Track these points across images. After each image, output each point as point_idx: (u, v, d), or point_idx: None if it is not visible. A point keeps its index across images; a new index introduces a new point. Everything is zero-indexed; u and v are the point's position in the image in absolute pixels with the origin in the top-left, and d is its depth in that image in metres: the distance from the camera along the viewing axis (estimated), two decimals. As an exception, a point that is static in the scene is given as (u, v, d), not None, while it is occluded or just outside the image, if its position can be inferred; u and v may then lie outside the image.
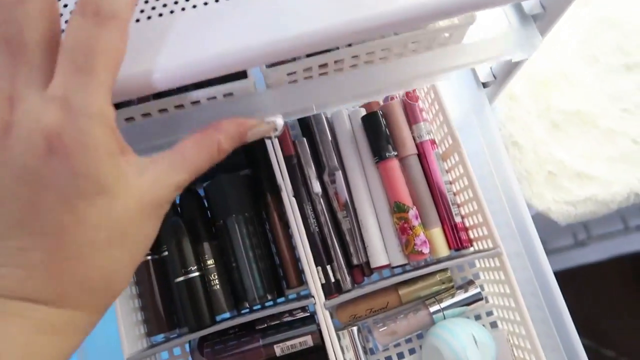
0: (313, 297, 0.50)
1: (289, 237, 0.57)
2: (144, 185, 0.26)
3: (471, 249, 0.56)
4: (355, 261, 0.55)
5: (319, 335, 0.51)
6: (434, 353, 0.51)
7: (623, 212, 1.29)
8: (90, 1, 0.23)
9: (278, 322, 0.53)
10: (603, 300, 1.45)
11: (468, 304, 0.55)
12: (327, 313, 0.50)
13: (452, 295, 0.55)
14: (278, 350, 0.50)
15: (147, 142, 0.36)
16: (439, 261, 0.53)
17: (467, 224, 0.57)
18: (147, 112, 0.36)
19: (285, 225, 0.57)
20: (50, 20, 0.24)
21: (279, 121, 0.34)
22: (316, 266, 0.52)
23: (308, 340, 0.51)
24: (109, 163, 0.24)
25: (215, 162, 0.29)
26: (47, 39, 0.24)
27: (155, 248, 0.55)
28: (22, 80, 0.23)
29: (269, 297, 0.53)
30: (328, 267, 0.55)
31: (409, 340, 0.58)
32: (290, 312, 0.53)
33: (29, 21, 0.23)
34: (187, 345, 0.57)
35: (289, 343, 0.50)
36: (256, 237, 0.55)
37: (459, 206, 0.57)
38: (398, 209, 0.54)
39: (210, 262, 0.54)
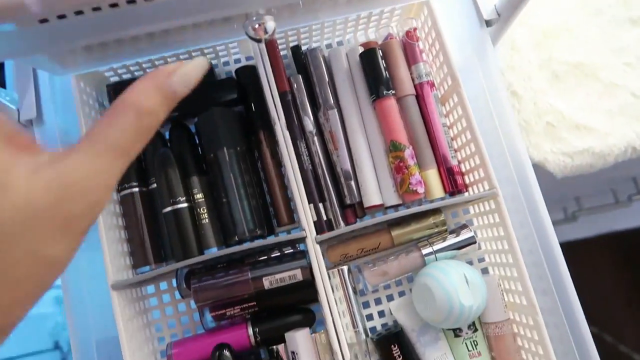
0: (304, 230, 0.48)
1: (281, 175, 0.56)
2: (38, 186, 0.20)
3: (466, 194, 0.55)
4: (348, 201, 0.54)
5: (309, 270, 0.50)
6: (425, 292, 0.50)
7: (614, 184, 1.30)
8: None
9: (267, 257, 0.52)
10: (589, 277, 1.46)
11: (461, 247, 0.54)
12: (318, 248, 0.49)
13: (445, 239, 0.55)
14: (267, 283, 0.49)
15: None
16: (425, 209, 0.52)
17: (463, 169, 0.56)
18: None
19: (278, 163, 0.56)
20: None
21: (202, 62, 0.27)
22: (309, 204, 0.51)
23: (298, 274, 0.50)
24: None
25: (145, 134, 0.24)
26: None
27: (143, 180, 0.53)
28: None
29: (259, 232, 0.51)
30: (320, 205, 0.54)
31: (399, 283, 0.57)
32: (280, 248, 0.52)
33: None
34: (174, 281, 0.55)
35: (278, 276, 0.49)
36: (247, 173, 0.53)
37: (456, 150, 0.56)
38: (394, 148, 0.53)
39: (199, 196, 0.53)
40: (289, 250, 0.53)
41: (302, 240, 0.49)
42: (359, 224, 0.49)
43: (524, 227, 0.51)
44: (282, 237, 0.48)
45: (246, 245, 0.48)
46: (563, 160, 0.61)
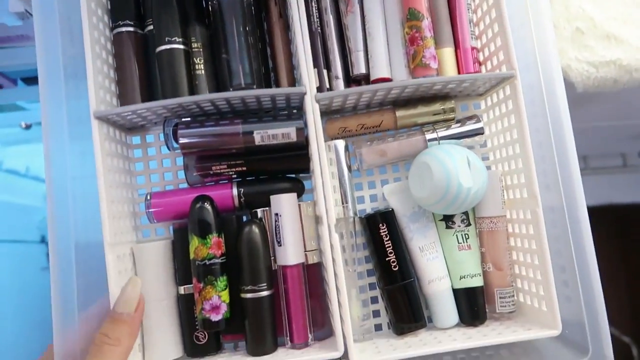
0: (304, 86, 0.45)
1: (287, 39, 0.52)
2: None
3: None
4: (354, 71, 0.50)
5: (303, 132, 0.47)
6: (423, 169, 0.47)
7: (624, 147, 1.26)
8: None
9: (260, 114, 0.49)
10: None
11: (467, 137, 0.51)
12: (317, 107, 0.45)
13: (451, 127, 0.51)
14: (258, 137, 0.46)
15: None
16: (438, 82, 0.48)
17: (481, 57, 0.52)
18: None
19: (285, 25, 0.52)
20: None
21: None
22: (313, 68, 0.48)
23: (292, 134, 0.47)
24: None
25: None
26: None
27: (139, 21, 0.50)
28: None
29: (256, 88, 0.48)
30: (325, 72, 0.50)
31: (395, 169, 0.55)
32: (275, 107, 0.49)
33: None
34: (160, 135, 0.53)
35: (270, 132, 0.46)
36: (251, 25, 0.49)
37: (477, 37, 0.52)
38: (412, 16, 0.49)
39: (196, 45, 0.49)
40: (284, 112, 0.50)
41: (301, 96, 0.46)
42: (363, 87, 0.46)
43: (537, 117, 0.48)
44: (280, 89, 0.45)
45: (240, 93, 0.45)
46: (587, 70, 0.57)
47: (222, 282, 0.45)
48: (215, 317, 0.44)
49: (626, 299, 1.48)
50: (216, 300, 0.44)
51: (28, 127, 0.94)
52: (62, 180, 0.45)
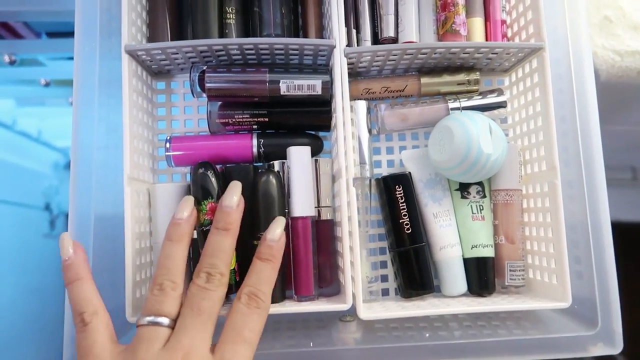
0: (334, 39, 0.45)
1: (319, 1, 0.52)
2: None
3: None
4: (383, 34, 0.51)
5: (329, 87, 0.47)
6: (445, 133, 0.47)
7: (635, 160, 1.26)
8: (251, 292, 0.37)
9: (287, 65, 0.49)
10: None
11: (490, 109, 0.51)
12: (345, 61, 0.46)
13: (474, 98, 0.52)
14: (284, 87, 0.46)
15: None
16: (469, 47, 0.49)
17: (510, 33, 0.52)
18: None
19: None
20: (222, 298, 0.37)
21: None
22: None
23: (317, 87, 0.47)
24: None
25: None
26: (216, 315, 0.36)
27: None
28: (199, 342, 0.34)
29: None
30: (354, 32, 0.51)
31: (415, 137, 0.55)
32: (301, 61, 0.49)
33: (218, 303, 0.37)
34: (185, 82, 0.53)
35: (297, 82, 0.46)
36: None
37: (508, 12, 0.52)
38: (445, -17, 0.49)
39: (230, -5, 0.49)
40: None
41: (330, 50, 0.46)
42: (393, 46, 0.46)
43: (562, 92, 0.48)
44: (310, 40, 0.45)
45: (271, 39, 0.45)
46: (612, 58, 0.58)
47: None
48: None
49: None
50: None
51: (47, 84, 0.94)
52: (88, 150, 0.46)
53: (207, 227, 0.42)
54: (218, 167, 0.50)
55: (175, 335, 0.34)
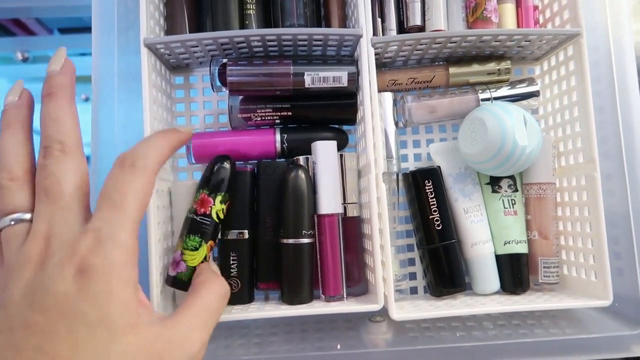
0: (361, 28, 0.43)
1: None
2: (154, 336, 0.27)
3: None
4: (409, 23, 0.49)
5: (356, 79, 0.45)
6: (477, 126, 0.45)
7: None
8: (127, 156, 0.30)
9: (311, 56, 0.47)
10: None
11: (522, 99, 0.49)
12: (372, 51, 0.44)
13: (506, 87, 0.49)
14: (308, 79, 0.45)
15: None
16: (502, 34, 0.46)
17: (542, 19, 0.50)
18: None
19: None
20: (82, 174, 0.30)
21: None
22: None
23: (343, 78, 0.45)
24: (120, 294, 0.26)
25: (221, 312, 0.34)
26: (79, 188, 0.29)
27: (192, -44, 0.48)
28: (58, 222, 0.28)
29: (309, 30, 0.46)
30: (379, 21, 0.48)
31: (442, 129, 0.53)
32: (324, 51, 0.47)
33: (65, 175, 0.29)
34: (204, 77, 0.51)
35: (322, 74, 0.45)
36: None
37: (537, -4, 0.50)
38: (475, -33, 0.47)
39: (250, -16, 0.47)
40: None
41: (356, 40, 0.44)
42: (422, 34, 0.44)
43: (600, 81, 0.46)
44: (336, 29, 0.43)
45: (294, 30, 0.43)
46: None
47: (191, 240, 0.41)
48: (171, 272, 0.41)
49: None
50: (177, 256, 0.41)
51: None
52: (107, 146, 0.45)
53: (190, 215, 0.42)
54: (241, 164, 0.48)
55: (32, 225, 0.28)
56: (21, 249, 0.27)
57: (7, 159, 0.30)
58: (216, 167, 0.42)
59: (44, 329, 0.24)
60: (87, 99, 1.11)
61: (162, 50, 0.45)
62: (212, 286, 0.34)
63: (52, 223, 0.28)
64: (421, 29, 0.49)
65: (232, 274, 0.45)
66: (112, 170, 0.30)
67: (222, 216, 0.42)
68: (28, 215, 0.29)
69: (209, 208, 0.41)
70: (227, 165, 0.42)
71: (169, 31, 0.47)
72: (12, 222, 0.28)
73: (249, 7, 0.47)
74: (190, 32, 0.47)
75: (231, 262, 0.45)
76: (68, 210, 0.28)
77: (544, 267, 0.48)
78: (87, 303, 0.25)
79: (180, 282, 0.40)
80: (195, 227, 0.41)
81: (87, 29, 0.49)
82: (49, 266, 0.26)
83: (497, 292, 0.48)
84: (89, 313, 0.25)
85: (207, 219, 0.41)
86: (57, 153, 0.29)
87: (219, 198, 0.42)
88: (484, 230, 0.48)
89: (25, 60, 0.84)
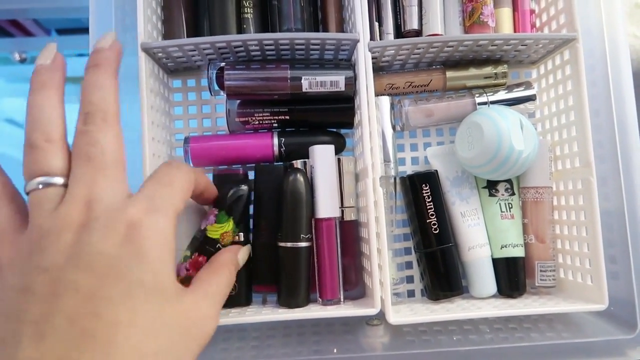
0: (357, 33, 0.44)
1: (338, -8, 0.50)
2: (187, 305, 0.29)
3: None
4: (406, 27, 0.49)
5: (353, 83, 0.45)
6: (473, 131, 0.45)
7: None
8: (173, 161, 0.33)
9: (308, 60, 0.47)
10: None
11: (518, 103, 0.49)
12: (369, 56, 0.44)
13: (502, 91, 0.50)
14: (305, 84, 0.45)
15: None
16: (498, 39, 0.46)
17: (538, 23, 0.50)
18: None
19: (337, -24, 0.50)
20: (122, 145, 0.30)
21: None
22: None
23: (340, 83, 0.45)
24: (170, 264, 0.27)
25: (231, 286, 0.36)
26: (121, 158, 0.29)
27: (190, -41, 0.48)
28: (102, 187, 0.27)
29: (306, 35, 0.47)
30: (376, 25, 0.49)
31: (440, 133, 0.53)
32: (322, 56, 0.47)
33: (108, 143, 0.29)
34: (202, 80, 0.51)
35: (319, 79, 0.45)
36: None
37: None
38: (472, -28, 0.47)
39: (247, -12, 0.48)
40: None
41: (353, 44, 0.44)
42: (418, 39, 0.44)
43: (595, 85, 0.46)
44: (334, 34, 0.44)
45: (292, 34, 0.43)
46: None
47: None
48: None
49: None
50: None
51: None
52: None
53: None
54: (238, 167, 0.49)
55: (68, 190, 0.27)
56: (56, 213, 0.26)
57: (43, 119, 0.29)
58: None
59: (96, 293, 0.24)
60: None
61: (159, 54, 0.45)
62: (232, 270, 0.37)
63: (94, 188, 0.27)
64: (418, 32, 0.49)
65: (230, 278, 0.45)
66: (159, 166, 0.32)
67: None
68: (61, 180, 0.28)
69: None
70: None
71: (166, 35, 0.47)
72: (41, 186, 0.27)
73: (246, 10, 0.47)
74: (187, 36, 0.47)
75: (228, 265, 0.45)
76: (112, 177, 0.28)
77: (541, 271, 0.48)
78: (142, 268, 0.25)
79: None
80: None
81: (85, 30, 0.49)
82: (95, 229, 0.26)
83: (493, 296, 0.48)
84: (145, 278, 0.25)
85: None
86: (99, 121, 0.29)
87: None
88: (481, 233, 0.48)
89: (23, 60, 0.84)
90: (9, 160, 1.25)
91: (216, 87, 0.48)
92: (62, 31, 0.82)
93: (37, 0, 0.66)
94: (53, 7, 0.66)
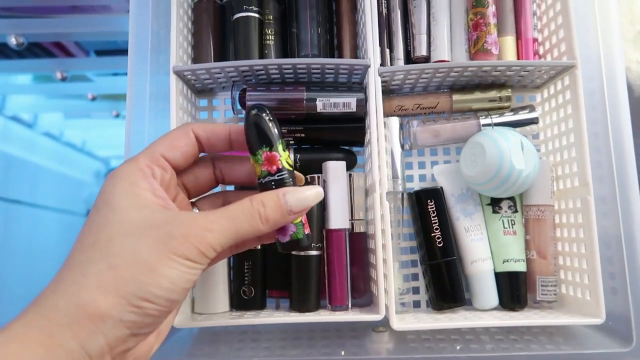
0: (369, 59, 0.47)
1: (353, 20, 0.54)
2: (182, 222, 0.30)
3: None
4: (416, 53, 0.52)
5: (364, 104, 0.49)
6: (476, 149, 0.48)
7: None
8: None
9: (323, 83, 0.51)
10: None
11: (521, 125, 0.52)
12: (379, 80, 0.48)
13: (506, 114, 0.53)
14: (320, 105, 0.49)
15: None
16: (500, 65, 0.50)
17: (542, 51, 0.53)
18: None
19: (352, 7, 0.54)
20: None
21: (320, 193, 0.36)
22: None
23: (352, 104, 0.49)
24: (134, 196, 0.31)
25: (260, 233, 0.33)
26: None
27: (218, -8, 0.53)
28: None
29: (322, 60, 0.51)
30: (387, 51, 0.52)
31: (446, 152, 0.56)
32: (336, 79, 0.51)
33: None
34: (226, 100, 0.56)
35: (333, 100, 0.49)
36: (322, 4, 0.52)
37: (539, 30, 0.53)
38: (477, 3, 0.50)
39: (269, 17, 0.52)
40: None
41: (365, 69, 0.48)
42: (425, 65, 0.48)
43: (594, 109, 0.49)
44: (346, 60, 0.48)
45: (309, 60, 0.47)
46: (647, 73, 0.58)
47: None
48: (283, 239, 0.36)
49: None
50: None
51: (94, 98, 1.00)
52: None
53: (266, 179, 0.35)
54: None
55: None
56: None
57: None
58: (261, 121, 0.36)
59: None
60: (117, 115, 1.19)
61: (189, 76, 0.49)
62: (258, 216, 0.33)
63: None
64: (427, 59, 0.53)
65: (245, 282, 0.49)
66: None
67: (291, 162, 0.37)
68: None
69: (279, 161, 0.36)
70: (266, 115, 0.36)
71: (195, 59, 0.52)
72: None
73: (268, 37, 0.52)
74: (214, 59, 0.51)
75: (245, 270, 0.49)
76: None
77: (542, 285, 0.50)
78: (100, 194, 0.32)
79: (303, 240, 0.36)
80: (278, 185, 0.35)
81: (120, 51, 0.55)
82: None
83: (495, 308, 0.50)
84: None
85: (281, 172, 0.35)
86: None
87: (280, 147, 0.36)
88: (484, 248, 0.51)
89: (63, 79, 0.91)
90: (48, 172, 1.32)
91: (239, 107, 0.52)
92: (100, 52, 0.89)
93: (80, 25, 0.72)
94: (94, 32, 0.72)
